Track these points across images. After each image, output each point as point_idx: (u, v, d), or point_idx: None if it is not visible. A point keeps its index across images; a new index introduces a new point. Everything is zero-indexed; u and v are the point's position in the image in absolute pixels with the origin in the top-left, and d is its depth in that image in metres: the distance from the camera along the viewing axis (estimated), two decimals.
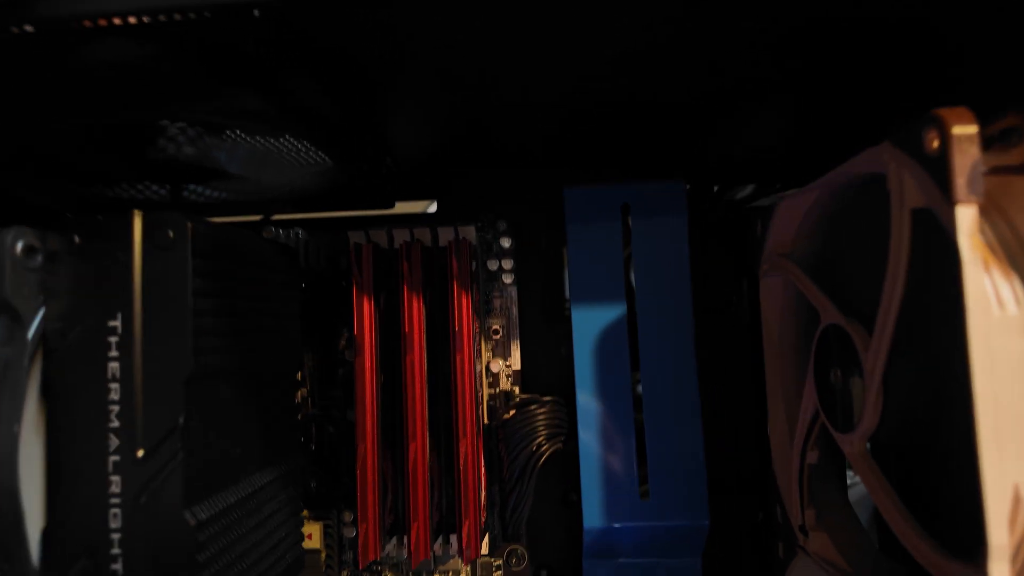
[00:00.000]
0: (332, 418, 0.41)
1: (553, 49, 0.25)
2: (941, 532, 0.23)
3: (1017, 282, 0.20)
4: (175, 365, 0.23)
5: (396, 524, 0.38)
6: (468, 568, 0.40)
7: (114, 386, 0.22)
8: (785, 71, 0.27)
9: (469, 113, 0.33)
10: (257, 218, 0.42)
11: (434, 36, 0.24)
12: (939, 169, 0.21)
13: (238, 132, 0.33)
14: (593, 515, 0.35)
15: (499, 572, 0.40)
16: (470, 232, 0.38)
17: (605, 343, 0.35)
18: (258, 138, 0.34)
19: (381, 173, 0.40)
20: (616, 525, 0.35)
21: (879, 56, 0.26)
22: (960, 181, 0.20)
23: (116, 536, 0.22)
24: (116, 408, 0.22)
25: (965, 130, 0.20)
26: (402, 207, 0.43)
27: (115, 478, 0.22)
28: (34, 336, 0.23)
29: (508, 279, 0.40)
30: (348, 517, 0.40)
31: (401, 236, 0.39)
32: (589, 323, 0.35)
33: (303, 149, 0.36)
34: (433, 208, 0.43)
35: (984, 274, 0.20)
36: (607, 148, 0.38)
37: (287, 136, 0.34)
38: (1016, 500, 0.19)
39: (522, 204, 0.40)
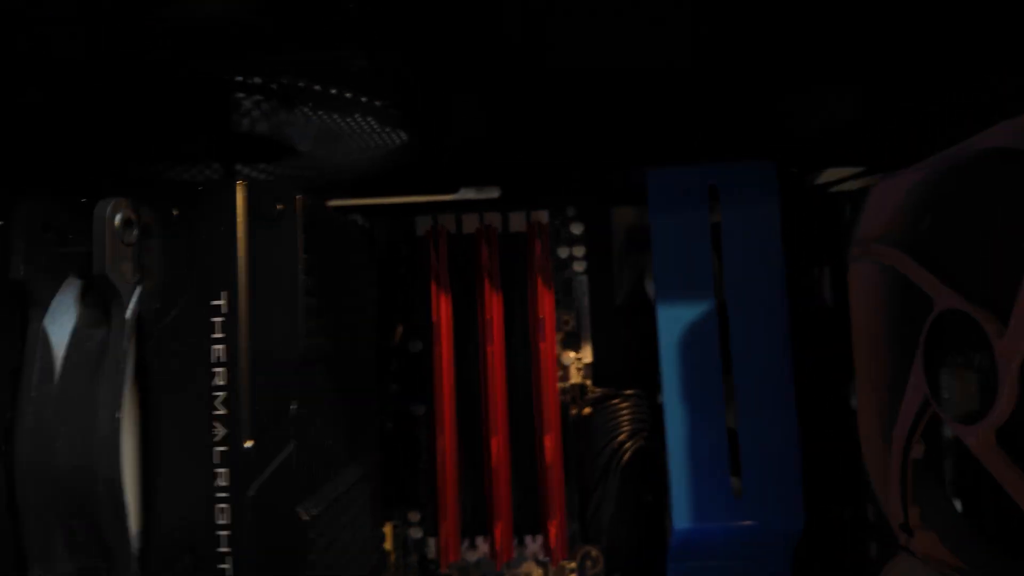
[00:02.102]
0: (390, 413, 0.39)
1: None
2: None
3: None
4: (286, 347, 0.21)
5: (466, 525, 0.36)
6: (540, 570, 0.38)
7: (219, 370, 0.21)
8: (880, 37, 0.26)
9: (538, 91, 0.31)
10: None
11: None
12: None
13: (311, 107, 0.31)
14: (682, 515, 0.33)
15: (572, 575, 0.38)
16: (542, 217, 0.37)
17: (693, 332, 0.34)
18: (330, 114, 0.32)
19: (445, 154, 0.38)
20: (707, 525, 0.33)
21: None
22: None
23: (223, 533, 0.20)
24: (221, 394, 0.21)
25: None
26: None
27: (221, 470, 0.21)
28: (131, 316, 0.21)
29: (579, 267, 0.39)
30: (414, 517, 0.38)
31: (470, 222, 0.37)
32: (676, 311, 0.34)
33: (371, 129, 0.34)
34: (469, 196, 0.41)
35: None
36: (679, 130, 0.36)
37: (358, 114, 0.32)
38: None
39: (591, 189, 0.39)
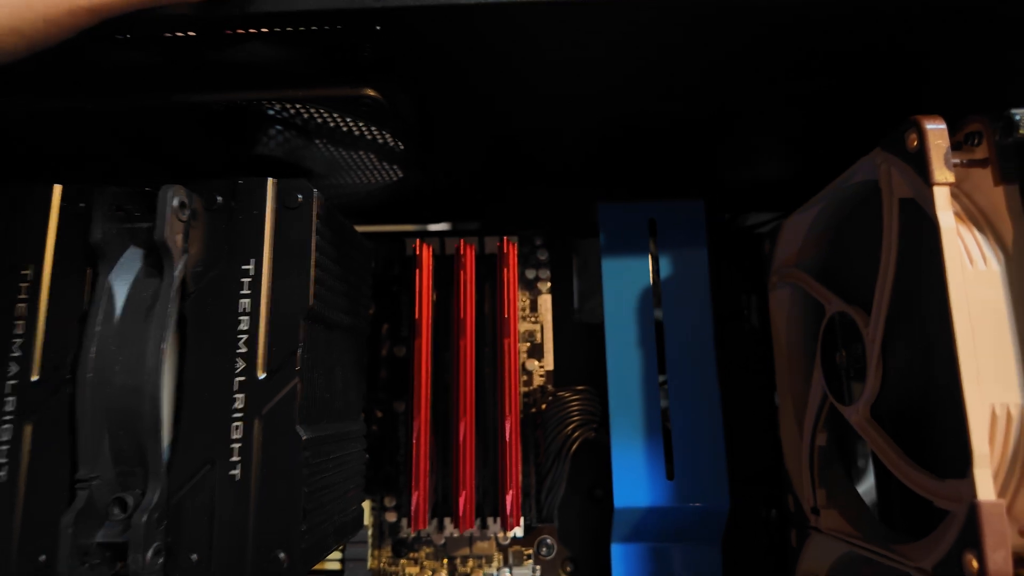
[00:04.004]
0: (376, 415, 0.44)
1: (589, 80, 0.32)
2: (934, 472, 0.27)
3: (983, 246, 0.25)
4: (296, 303, 0.27)
5: (436, 507, 0.41)
6: (500, 555, 0.42)
7: (244, 318, 0.27)
8: (788, 100, 0.33)
9: (514, 137, 0.39)
10: None
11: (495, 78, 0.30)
12: (919, 161, 0.26)
13: (325, 141, 0.38)
14: (623, 496, 0.38)
15: (529, 560, 0.42)
16: (513, 239, 0.44)
17: (635, 339, 0.40)
18: (340, 149, 0.39)
19: (435, 189, 0.45)
20: (644, 505, 0.38)
21: (862, 90, 0.33)
22: (935, 167, 0.26)
23: (236, 446, 0.26)
24: (244, 336, 0.27)
25: (937, 128, 0.26)
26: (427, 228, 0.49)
27: (239, 395, 0.26)
28: (178, 275, 0.27)
29: (544, 287, 0.45)
30: (390, 502, 0.42)
31: (452, 246, 0.44)
32: (621, 322, 0.40)
33: (373, 164, 0.41)
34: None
35: (958, 239, 0.25)
36: (632, 174, 0.44)
37: (363, 151, 0.40)
38: (993, 417, 0.24)
39: (556, 220, 0.46)
